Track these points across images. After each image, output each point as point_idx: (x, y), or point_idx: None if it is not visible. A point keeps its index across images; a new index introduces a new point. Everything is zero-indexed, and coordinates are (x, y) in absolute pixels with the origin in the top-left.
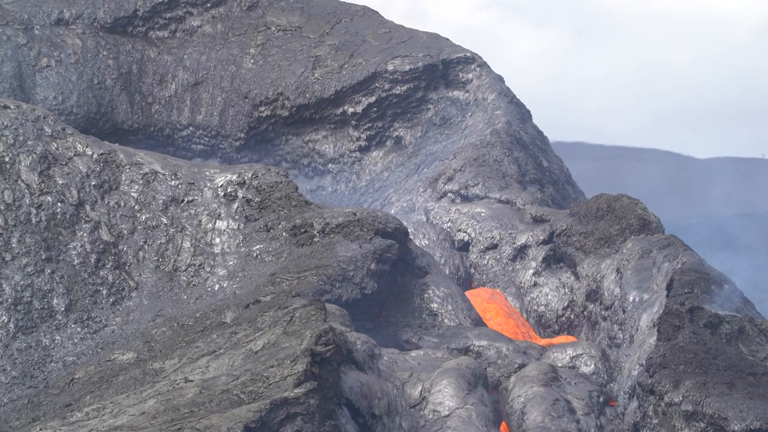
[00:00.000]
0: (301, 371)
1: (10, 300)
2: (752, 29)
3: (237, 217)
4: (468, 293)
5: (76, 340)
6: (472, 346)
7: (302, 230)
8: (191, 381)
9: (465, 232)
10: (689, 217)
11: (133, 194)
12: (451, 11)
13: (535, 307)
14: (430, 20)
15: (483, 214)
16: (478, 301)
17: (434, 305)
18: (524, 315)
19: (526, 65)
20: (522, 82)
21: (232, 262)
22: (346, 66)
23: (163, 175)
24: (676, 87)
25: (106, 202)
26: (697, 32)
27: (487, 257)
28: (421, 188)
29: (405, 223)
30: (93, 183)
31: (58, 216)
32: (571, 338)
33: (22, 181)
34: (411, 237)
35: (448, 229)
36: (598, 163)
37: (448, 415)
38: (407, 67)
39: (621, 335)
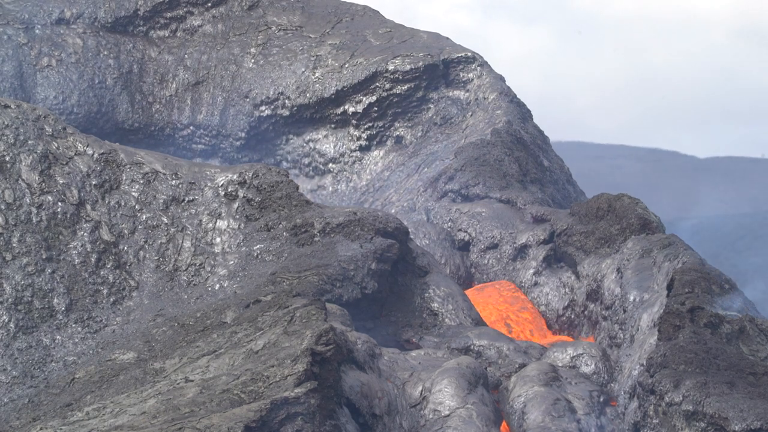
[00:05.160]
0: (301, 371)
1: (10, 299)
2: (729, 31)
3: (237, 216)
4: (484, 285)
5: (76, 340)
6: (472, 346)
7: (303, 230)
8: (192, 381)
9: (465, 231)
10: (689, 217)
11: (133, 194)
12: (437, 10)
13: (536, 307)
14: (422, 20)
15: (483, 214)
16: (498, 292)
17: (435, 305)
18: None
19: (515, 65)
20: (512, 84)
21: (232, 262)
22: (346, 65)
23: (164, 174)
24: (661, 85)
25: (106, 201)
26: (678, 33)
27: (488, 257)
28: (421, 188)
29: (405, 223)
30: (93, 182)
31: (59, 215)
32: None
33: (23, 180)
34: (411, 236)
35: (449, 229)
36: (596, 163)
37: (448, 415)
38: (408, 67)
39: (621, 335)
